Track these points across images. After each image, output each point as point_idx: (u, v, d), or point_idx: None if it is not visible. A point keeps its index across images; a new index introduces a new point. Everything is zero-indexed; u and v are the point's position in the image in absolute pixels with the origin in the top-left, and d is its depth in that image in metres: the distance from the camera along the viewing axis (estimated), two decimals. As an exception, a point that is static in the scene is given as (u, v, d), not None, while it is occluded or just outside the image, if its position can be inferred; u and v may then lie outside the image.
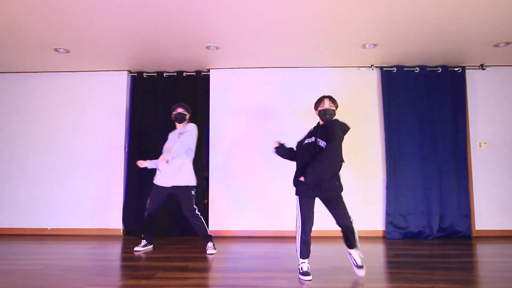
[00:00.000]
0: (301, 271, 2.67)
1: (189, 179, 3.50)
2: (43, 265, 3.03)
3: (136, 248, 3.59)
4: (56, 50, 3.99)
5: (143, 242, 3.66)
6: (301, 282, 2.58)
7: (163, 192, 3.52)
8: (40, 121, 4.65)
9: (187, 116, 3.62)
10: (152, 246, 3.72)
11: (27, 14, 3.17)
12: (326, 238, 4.22)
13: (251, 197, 4.43)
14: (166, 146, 3.63)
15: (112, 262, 3.26)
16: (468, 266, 3.06)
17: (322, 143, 2.62)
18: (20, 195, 4.57)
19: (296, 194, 2.74)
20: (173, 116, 3.60)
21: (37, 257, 3.37)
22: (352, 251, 2.75)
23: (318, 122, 2.83)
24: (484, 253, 3.62)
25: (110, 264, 3.14)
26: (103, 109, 4.63)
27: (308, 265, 2.69)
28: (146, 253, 3.52)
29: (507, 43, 3.84)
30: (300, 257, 2.72)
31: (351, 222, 2.69)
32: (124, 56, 4.22)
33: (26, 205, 4.55)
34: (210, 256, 3.37)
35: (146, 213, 3.60)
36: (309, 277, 2.61)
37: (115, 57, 4.24)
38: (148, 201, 3.59)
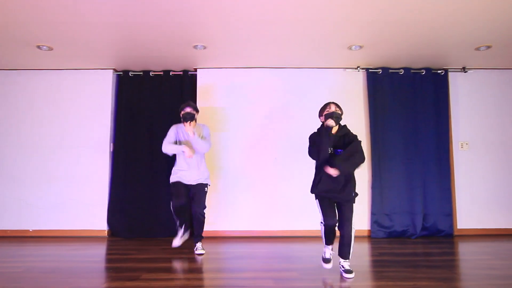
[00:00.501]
0: (324, 256, 2.87)
1: (207, 178, 3.55)
2: (24, 267, 2.95)
3: (174, 242, 3.49)
4: (38, 47, 3.90)
5: (179, 233, 3.53)
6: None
7: (184, 186, 3.47)
8: (22, 120, 4.53)
9: (196, 115, 3.55)
10: (188, 231, 3.61)
11: (9, 9, 3.08)
12: (313, 238, 4.26)
13: (239, 197, 4.42)
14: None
15: (96, 263, 3.19)
16: (450, 264, 3.13)
17: (338, 151, 2.74)
18: (0, 195, 4.45)
19: (313, 193, 2.83)
20: (181, 115, 3.50)
21: (18, 259, 3.28)
22: (341, 261, 2.77)
23: (323, 129, 2.78)
24: (465, 251, 3.70)
25: (94, 266, 3.08)
26: (88, 108, 4.54)
27: (332, 252, 2.85)
28: (130, 254, 3.47)
29: (488, 47, 3.93)
30: (326, 245, 2.85)
31: (351, 229, 2.73)
32: (109, 54, 4.15)
33: (6, 206, 4.43)
34: (199, 257, 3.35)
35: (172, 209, 3.46)
36: (329, 265, 2.82)
37: (100, 55, 4.17)
38: (172, 200, 3.47)
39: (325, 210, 2.74)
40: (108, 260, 3.33)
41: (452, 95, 4.59)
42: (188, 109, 3.46)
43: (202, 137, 3.50)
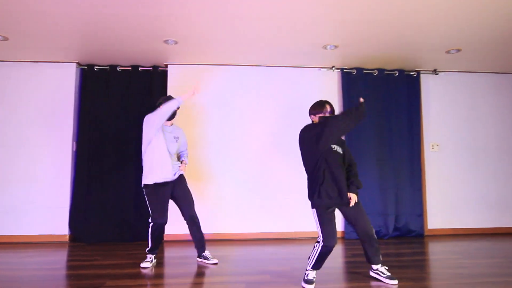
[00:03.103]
0: (305, 278, 2.50)
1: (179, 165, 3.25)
2: (-27, 277, 2.71)
3: (143, 264, 3.07)
4: (-8, 36, 3.61)
5: (149, 257, 3.14)
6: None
7: (166, 190, 3.11)
8: (-26, 116, 4.20)
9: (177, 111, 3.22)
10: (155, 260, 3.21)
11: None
12: (285, 240, 4.21)
13: (210, 199, 4.30)
14: (164, 147, 3.12)
15: (57, 271, 2.99)
16: (420, 263, 3.18)
17: (340, 150, 2.55)
18: (-51, 198, 4.09)
19: (314, 207, 2.50)
20: None
21: (-34, 268, 3.02)
22: (377, 267, 2.63)
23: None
24: (435, 251, 3.77)
25: (54, 274, 2.88)
26: (48, 104, 4.26)
27: (315, 275, 2.52)
28: (94, 260, 3.27)
29: (458, 50, 4.03)
30: (312, 269, 2.52)
31: (372, 229, 2.56)
32: (72, 46, 3.90)
33: (-45, 210, 4.07)
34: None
35: (152, 226, 3.06)
36: (311, 286, 2.44)
37: (61, 47, 3.91)
38: (151, 210, 3.07)
39: (327, 228, 2.42)
40: (69, 267, 3.13)
41: (423, 97, 4.68)
42: None
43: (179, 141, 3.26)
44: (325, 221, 2.43)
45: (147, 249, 3.15)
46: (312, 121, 2.65)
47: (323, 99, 4.30)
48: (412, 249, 3.75)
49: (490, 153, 4.71)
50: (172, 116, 3.17)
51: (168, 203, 3.13)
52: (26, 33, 3.54)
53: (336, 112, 2.84)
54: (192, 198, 3.21)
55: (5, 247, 3.86)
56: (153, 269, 2.99)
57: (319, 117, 2.57)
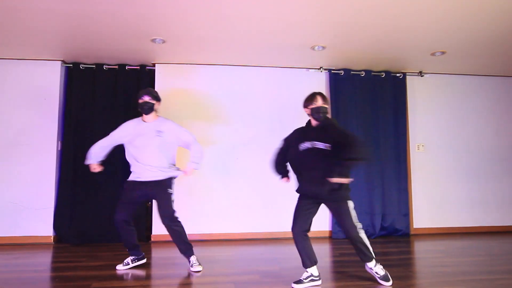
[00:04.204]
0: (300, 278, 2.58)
1: (168, 173, 3.02)
2: (-47, 281, 2.65)
3: (118, 267, 3.02)
4: (-28, 33, 3.50)
5: (128, 259, 3.07)
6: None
7: (137, 190, 2.97)
8: (-46, 114, 4.07)
9: (156, 106, 3.05)
10: (145, 259, 3.16)
11: None
12: (275, 240, 4.23)
13: (197, 198, 4.28)
14: (138, 145, 2.99)
15: (40, 273, 2.94)
16: (406, 262, 3.25)
17: (322, 146, 2.47)
18: None
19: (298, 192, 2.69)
20: (138, 106, 3.03)
21: None
22: (370, 264, 2.61)
23: (308, 123, 2.67)
24: (420, 249, 3.85)
25: (37, 276, 2.83)
26: (32, 103, 4.16)
27: (307, 273, 2.55)
28: (80, 261, 3.23)
29: (443, 53, 4.12)
30: (303, 266, 2.59)
31: (358, 232, 2.51)
32: (57, 44, 3.82)
33: None
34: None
35: (115, 223, 2.98)
36: (300, 286, 2.50)
37: (46, 44, 3.82)
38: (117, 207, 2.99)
39: (295, 214, 2.60)
40: (54, 269, 3.09)
41: (409, 98, 4.75)
42: (146, 98, 2.99)
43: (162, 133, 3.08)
44: (297, 208, 2.62)
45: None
46: (307, 114, 2.63)
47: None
48: (398, 248, 3.82)
49: (473, 153, 4.82)
50: (147, 110, 3.01)
51: (132, 204, 3.01)
52: (8, 29, 3.44)
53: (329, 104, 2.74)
54: (168, 208, 2.97)
55: (-13, 249, 3.78)
56: (130, 273, 2.94)
57: (311, 108, 2.57)
